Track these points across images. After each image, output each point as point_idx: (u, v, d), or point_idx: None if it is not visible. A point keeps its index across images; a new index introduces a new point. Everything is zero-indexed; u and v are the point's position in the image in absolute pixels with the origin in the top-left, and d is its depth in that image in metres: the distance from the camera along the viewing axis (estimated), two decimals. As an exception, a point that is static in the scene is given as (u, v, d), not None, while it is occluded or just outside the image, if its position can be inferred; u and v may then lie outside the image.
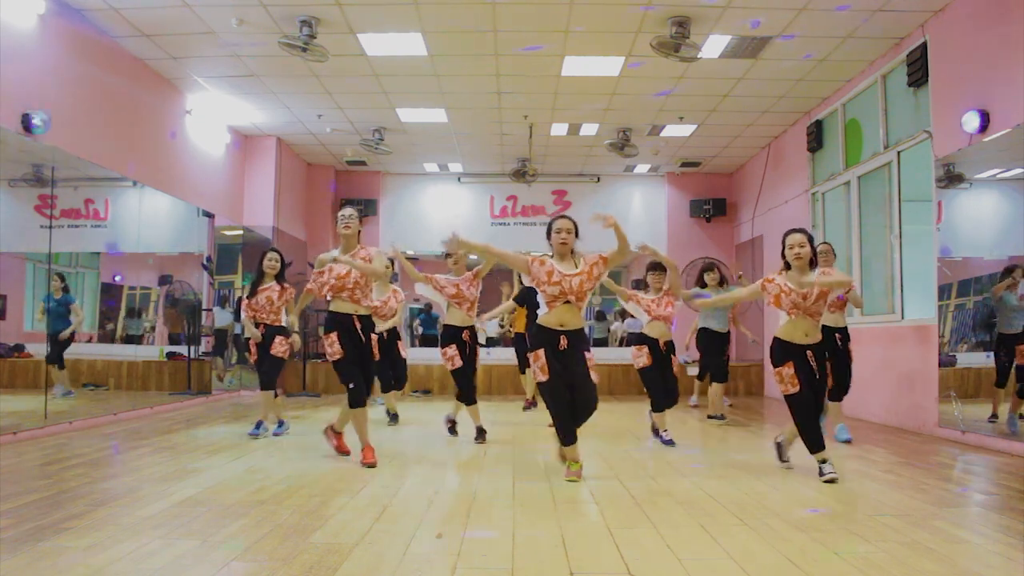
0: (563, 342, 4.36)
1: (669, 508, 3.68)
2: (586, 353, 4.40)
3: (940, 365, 6.25)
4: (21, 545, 2.90)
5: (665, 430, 5.93)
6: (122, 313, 8.41)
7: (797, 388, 4.41)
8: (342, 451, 5.16)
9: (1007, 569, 2.76)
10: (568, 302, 4.39)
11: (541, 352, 4.36)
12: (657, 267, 6.03)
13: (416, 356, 11.10)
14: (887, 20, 6.63)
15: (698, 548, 2.99)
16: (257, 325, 6.24)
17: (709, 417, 7.40)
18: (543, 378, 4.37)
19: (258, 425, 6.16)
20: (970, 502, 4.02)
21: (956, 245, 6.39)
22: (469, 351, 6.04)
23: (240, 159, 10.31)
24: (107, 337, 8.09)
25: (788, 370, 4.42)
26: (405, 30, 6.97)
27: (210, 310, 9.45)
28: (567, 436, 4.40)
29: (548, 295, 4.41)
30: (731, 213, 12.36)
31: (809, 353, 4.43)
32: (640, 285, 14.79)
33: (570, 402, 4.38)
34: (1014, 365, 5.58)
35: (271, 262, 6.27)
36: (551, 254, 4.59)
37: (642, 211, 12.66)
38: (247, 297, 6.30)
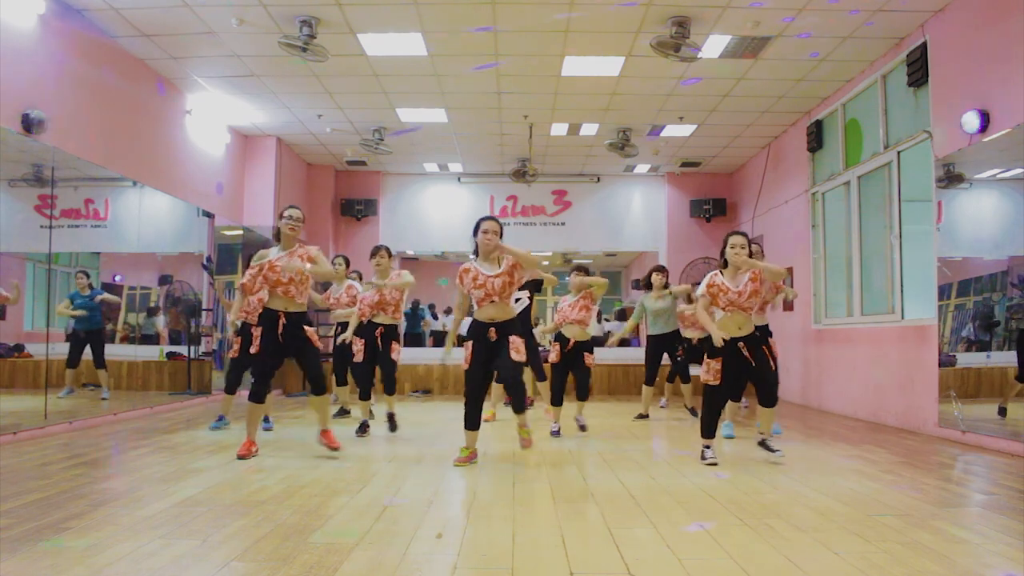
0: (492, 333, 4.82)
1: (669, 508, 3.68)
2: (511, 337, 4.84)
3: (940, 365, 6.25)
4: (21, 545, 2.90)
5: (580, 413, 6.68)
6: (122, 313, 8.40)
7: (718, 382, 4.89)
8: (333, 446, 5.14)
9: (1007, 569, 2.75)
10: (493, 301, 4.84)
11: (470, 344, 4.89)
12: (580, 268, 6.67)
13: (416, 356, 11.11)
14: (887, 20, 6.63)
15: (698, 548, 3.00)
16: (249, 327, 6.33)
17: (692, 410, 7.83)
18: (466, 366, 4.89)
19: (267, 420, 6.61)
20: (970, 502, 4.03)
21: (956, 245, 6.39)
22: (382, 346, 6.23)
23: (240, 159, 10.31)
24: (107, 337, 8.09)
25: (716, 364, 4.89)
26: (405, 30, 6.98)
27: (211, 310, 9.45)
28: (470, 421, 4.92)
29: (476, 297, 4.87)
30: (731, 213, 12.36)
31: (741, 344, 4.87)
32: (639, 285, 14.81)
33: (498, 381, 5.06)
34: None
35: None
36: (474, 256, 4.96)
37: (642, 211, 12.66)
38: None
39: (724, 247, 4.98)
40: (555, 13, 6.61)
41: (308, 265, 4.96)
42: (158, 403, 7.97)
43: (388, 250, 6.40)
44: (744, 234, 4.99)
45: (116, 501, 3.70)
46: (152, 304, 8.82)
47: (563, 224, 12.51)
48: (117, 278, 8.39)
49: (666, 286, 7.72)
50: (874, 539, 3.10)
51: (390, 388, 6.38)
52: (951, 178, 6.27)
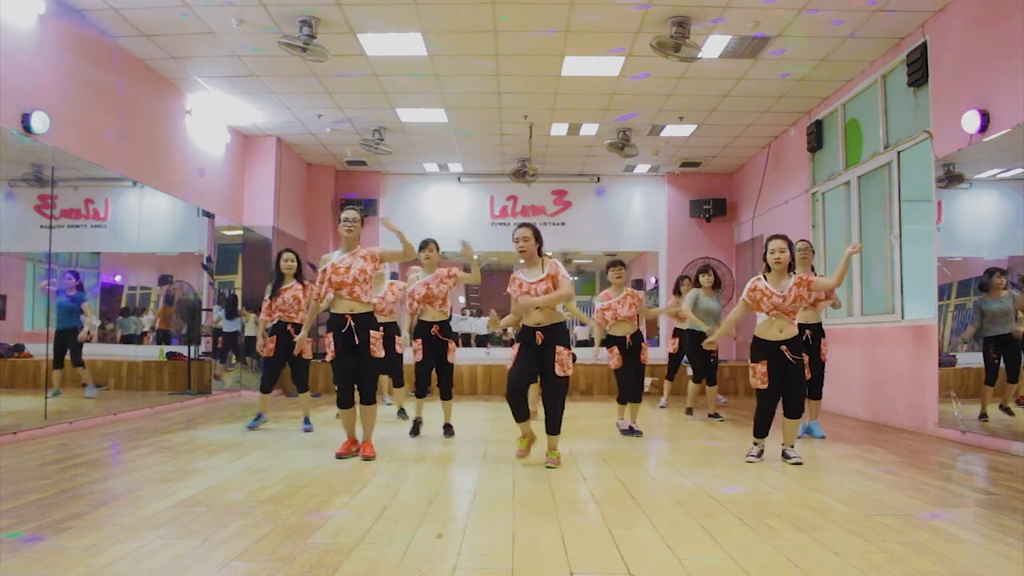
0: (539, 338, 4.82)
1: (669, 508, 3.68)
2: (559, 347, 4.82)
3: (940, 365, 6.25)
4: (21, 545, 2.90)
5: (634, 421, 6.45)
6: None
7: (766, 386, 4.92)
8: (367, 455, 5.06)
9: (1007, 569, 2.76)
10: (539, 307, 4.81)
11: (518, 346, 4.93)
12: (618, 263, 6.46)
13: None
14: (887, 20, 6.63)
15: (698, 548, 3.00)
16: (284, 325, 6.41)
17: (709, 416, 7.64)
18: (511, 365, 4.91)
19: (306, 421, 6.60)
20: (970, 502, 4.02)
21: (956, 245, 6.40)
22: (436, 345, 6.11)
23: (240, 159, 10.31)
24: (107, 337, 8.09)
25: (762, 367, 4.92)
26: (405, 30, 6.98)
27: (210, 310, 9.46)
28: (517, 413, 4.94)
29: None
30: (731, 213, 12.36)
31: (784, 348, 4.88)
32: (640, 285, 14.82)
33: (544, 396, 4.94)
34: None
35: (288, 262, 6.52)
36: (521, 263, 5.00)
37: (642, 211, 12.66)
38: (269, 298, 6.46)
39: (765, 252, 5.00)
40: (555, 13, 6.61)
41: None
42: (158, 403, 7.97)
43: (436, 244, 6.30)
44: (784, 237, 5.02)
45: (116, 501, 3.70)
46: (152, 303, 8.82)
47: (563, 224, 12.51)
48: (117, 278, 8.39)
49: (715, 286, 7.67)
50: (874, 539, 3.10)
51: (447, 393, 6.29)
52: (951, 178, 6.28)
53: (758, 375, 4.92)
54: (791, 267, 5.00)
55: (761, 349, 4.94)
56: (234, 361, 10.23)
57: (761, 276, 5.02)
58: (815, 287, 5.00)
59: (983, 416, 5.84)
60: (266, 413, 6.59)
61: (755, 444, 5.09)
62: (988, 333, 5.83)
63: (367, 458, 5.00)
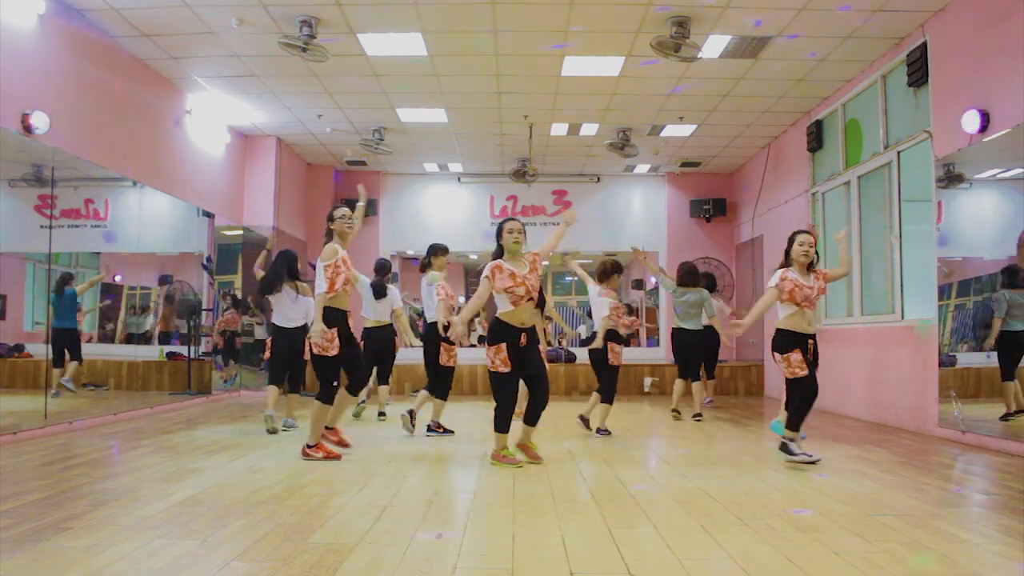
0: (523, 339, 4.80)
1: (669, 508, 3.68)
2: (540, 346, 4.97)
3: (940, 365, 6.25)
4: (21, 545, 2.90)
5: (601, 423, 6.39)
6: (122, 313, 8.40)
7: (805, 372, 4.85)
8: (343, 444, 5.28)
9: (1007, 569, 2.76)
10: (530, 299, 4.79)
11: (503, 346, 4.75)
12: (616, 267, 6.57)
13: (415, 356, 11.08)
14: (887, 20, 6.63)
15: (698, 548, 3.00)
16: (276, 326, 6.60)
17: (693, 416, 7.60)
18: (505, 370, 4.76)
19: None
20: (970, 502, 4.03)
21: (956, 245, 6.39)
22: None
23: (240, 159, 10.31)
24: (107, 337, 8.09)
25: (797, 356, 4.85)
26: (405, 30, 6.98)
27: (210, 310, 9.45)
28: (506, 424, 4.92)
29: (515, 295, 4.77)
30: (731, 213, 12.36)
31: (810, 342, 4.95)
32: (640, 285, 14.82)
33: (530, 393, 4.94)
34: None
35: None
36: (501, 257, 4.90)
37: (642, 211, 12.66)
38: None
39: (790, 246, 5.03)
40: (555, 13, 6.60)
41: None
42: (158, 403, 7.97)
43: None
44: (809, 232, 5.16)
45: (116, 501, 3.70)
46: (153, 303, 8.82)
47: (563, 224, 12.49)
48: (117, 278, 8.39)
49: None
50: (874, 539, 3.10)
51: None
52: (951, 178, 6.27)
53: (794, 364, 4.83)
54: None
55: (794, 340, 4.88)
56: (233, 361, 10.22)
57: (788, 269, 5.00)
58: (829, 278, 5.10)
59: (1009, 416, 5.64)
60: (278, 413, 6.46)
61: (791, 440, 4.91)
62: (1009, 328, 5.73)
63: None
